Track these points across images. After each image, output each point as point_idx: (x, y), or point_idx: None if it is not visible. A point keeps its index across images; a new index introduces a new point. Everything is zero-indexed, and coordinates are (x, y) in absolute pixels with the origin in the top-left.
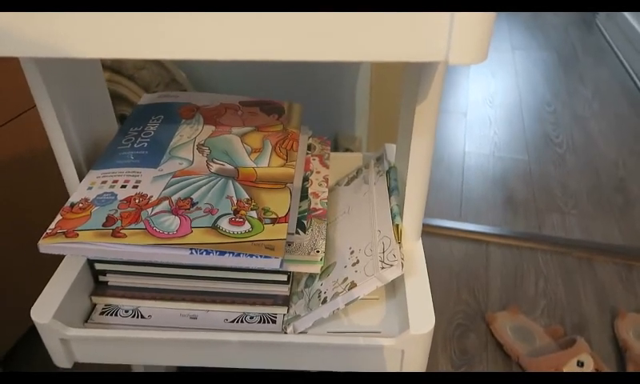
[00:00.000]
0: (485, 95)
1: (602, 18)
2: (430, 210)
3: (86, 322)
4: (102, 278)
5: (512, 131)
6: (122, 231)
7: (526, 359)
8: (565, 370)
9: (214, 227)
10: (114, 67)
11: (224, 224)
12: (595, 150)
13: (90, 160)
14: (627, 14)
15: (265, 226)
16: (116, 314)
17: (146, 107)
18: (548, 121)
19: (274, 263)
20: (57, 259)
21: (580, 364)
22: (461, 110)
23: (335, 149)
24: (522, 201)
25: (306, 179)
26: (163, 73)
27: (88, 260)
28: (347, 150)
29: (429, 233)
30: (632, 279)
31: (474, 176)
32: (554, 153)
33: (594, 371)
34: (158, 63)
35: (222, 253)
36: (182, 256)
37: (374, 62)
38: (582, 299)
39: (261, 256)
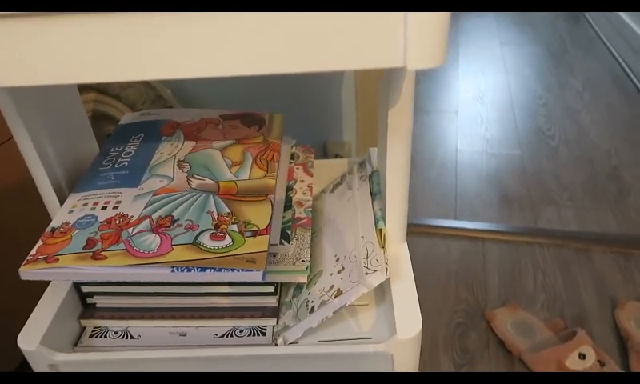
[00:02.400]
0: (475, 92)
1: None
2: (424, 210)
3: (75, 345)
4: (89, 301)
5: (504, 127)
6: (102, 253)
7: (528, 354)
8: (567, 363)
9: (195, 243)
10: (99, 87)
11: (205, 240)
12: (588, 141)
13: (72, 182)
14: None
15: (246, 239)
16: (105, 336)
17: (126, 127)
18: (540, 114)
19: (255, 276)
20: (48, 283)
21: (582, 356)
22: (452, 108)
23: (325, 155)
24: (516, 196)
25: (289, 189)
26: (149, 91)
27: (75, 283)
28: (337, 156)
29: (424, 233)
30: (630, 268)
31: (468, 174)
32: (546, 146)
33: (597, 362)
34: (143, 81)
35: (204, 269)
36: (164, 274)
37: (338, 70)
38: (582, 291)
39: (242, 269)
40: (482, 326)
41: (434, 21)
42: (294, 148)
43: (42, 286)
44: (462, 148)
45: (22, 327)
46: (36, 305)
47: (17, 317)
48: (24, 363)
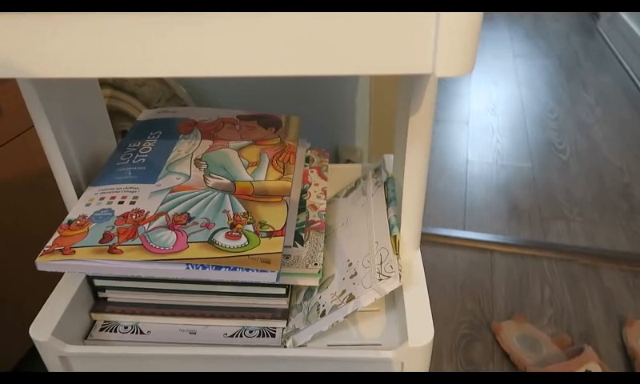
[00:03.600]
0: (487, 104)
1: (603, 23)
2: (433, 220)
3: (85, 338)
4: (101, 295)
5: (515, 139)
6: (118, 247)
7: (534, 369)
8: None
9: (211, 242)
10: (115, 84)
11: (220, 238)
12: (599, 156)
13: (89, 176)
14: (628, 19)
15: (261, 239)
16: (115, 330)
17: (144, 123)
18: (551, 128)
19: (270, 277)
20: (60, 277)
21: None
22: (463, 118)
23: (336, 160)
24: (526, 208)
25: (304, 192)
26: (164, 89)
27: (87, 277)
28: (348, 161)
29: (432, 242)
30: (639, 286)
31: (478, 185)
32: (557, 160)
33: None
34: (159, 79)
35: (218, 267)
36: (179, 271)
37: (363, 75)
38: (589, 307)
39: (257, 270)
40: (488, 337)
41: (466, 26)
42: (308, 151)
43: (49, 281)
44: (473, 159)
45: (31, 320)
46: (41, 300)
47: (26, 309)
48: (26, 358)
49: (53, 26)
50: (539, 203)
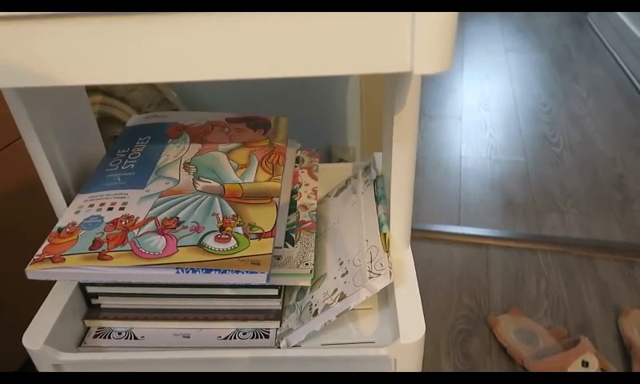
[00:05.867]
0: (480, 98)
1: (593, 16)
2: (428, 216)
3: (79, 345)
4: (94, 301)
5: (508, 133)
6: (108, 254)
7: (531, 362)
8: (570, 371)
9: (200, 245)
10: (105, 90)
11: (210, 241)
12: (592, 148)
13: (79, 183)
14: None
15: (251, 241)
16: (109, 337)
17: (133, 129)
18: (544, 121)
19: (260, 278)
20: (55, 282)
21: (585, 364)
22: (456, 114)
23: (329, 160)
24: (520, 202)
25: (294, 192)
26: (154, 93)
27: (80, 284)
28: (341, 160)
29: (428, 238)
30: (634, 276)
31: (472, 180)
32: (551, 153)
33: (600, 370)
34: (149, 84)
35: (208, 270)
36: (169, 275)
37: (344, 75)
38: (585, 298)
39: (247, 272)
40: (485, 332)
41: (442, 24)
42: (299, 152)
43: (47, 286)
44: (466, 154)
45: (26, 327)
46: (41, 305)
47: (22, 316)
48: (28, 362)
49: (37, 33)
50: (533, 197)
